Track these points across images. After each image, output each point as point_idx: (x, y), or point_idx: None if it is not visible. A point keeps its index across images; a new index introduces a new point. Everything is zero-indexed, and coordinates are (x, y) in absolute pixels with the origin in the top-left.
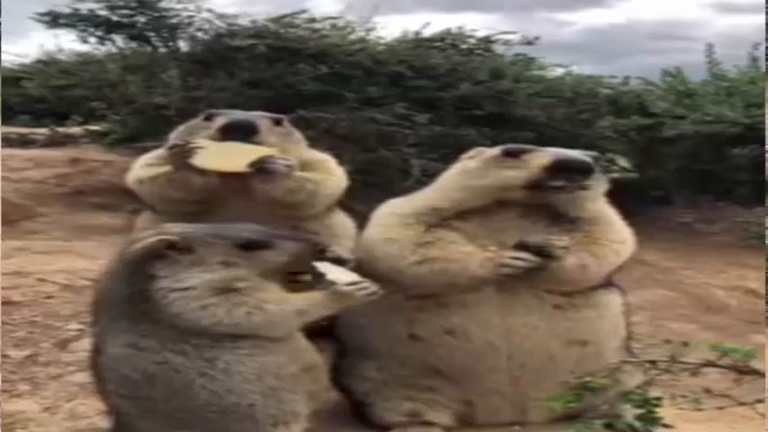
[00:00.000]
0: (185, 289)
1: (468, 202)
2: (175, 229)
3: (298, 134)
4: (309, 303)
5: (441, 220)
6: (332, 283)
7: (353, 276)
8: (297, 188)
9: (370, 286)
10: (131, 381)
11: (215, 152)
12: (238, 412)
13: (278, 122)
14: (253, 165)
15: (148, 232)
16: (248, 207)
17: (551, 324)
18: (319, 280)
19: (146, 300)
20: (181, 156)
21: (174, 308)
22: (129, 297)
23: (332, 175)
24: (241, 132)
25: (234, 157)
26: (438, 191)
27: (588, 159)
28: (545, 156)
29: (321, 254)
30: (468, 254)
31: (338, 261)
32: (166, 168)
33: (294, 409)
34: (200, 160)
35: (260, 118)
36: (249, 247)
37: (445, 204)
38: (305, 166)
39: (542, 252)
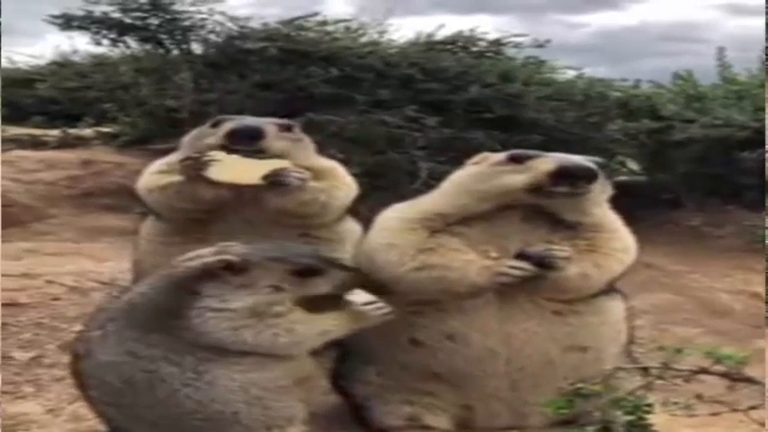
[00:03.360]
0: (224, 310)
1: (471, 207)
2: (236, 249)
3: (307, 140)
4: (332, 324)
5: (444, 225)
6: (348, 302)
7: (368, 296)
8: (310, 200)
9: (385, 306)
10: (115, 388)
11: (229, 164)
12: (224, 419)
13: (288, 128)
14: (266, 177)
15: (207, 250)
16: (258, 217)
17: (551, 330)
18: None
19: (179, 316)
20: (194, 168)
21: (207, 326)
22: (161, 309)
23: (343, 184)
24: (246, 137)
25: (248, 170)
26: (442, 196)
27: (592, 166)
28: (549, 161)
29: (366, 280)
30: (467, 262)
31: None
32: (177, 178)
33: (286, 414)
34: (214, 173)
35: (267, 123)
36: (304, 273)
37: (449, 209)
38: (314, 174)
39: (543, 263)
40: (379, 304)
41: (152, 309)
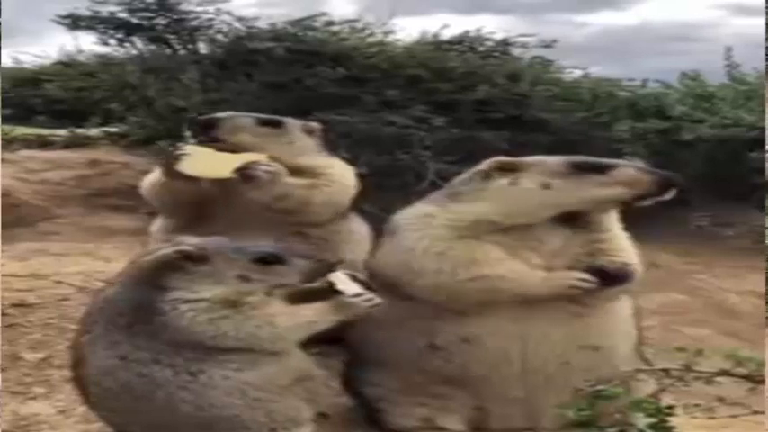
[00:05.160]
0: (197, 300)
1: (532, 218)
2: (192, 241)
3: (299, 137)
4: (317, 314)
5: (488, 233)
6: (338, 293)
7: (358, 288)
8: (284, 194)
9: (374, 297)
10: (114, 394)
11: (201, 158)
12: (224, 422)
13: (272, 124)
14: (237, 171)
15: (163, 244)
16: (249, 213)
17: (565, 330)
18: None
19: (154, 311)
20: (168, 163)
21: (183, 320)
22: (137, 308)
23: (331, 182)
24: (198, 127)
25: (219, 164)
26: (494, 203)
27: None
28: (631, 169)
29: (332, 270)
30: (520, 272)
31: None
32: (159, 174)
33: (291, 415)
34: (185, 166)
35: (237, 117)
36: (265, 261)
37: (501, 219)
38: (302, 172)
39: (619, 278)
40: (369, 295)
41: (128, 307)
